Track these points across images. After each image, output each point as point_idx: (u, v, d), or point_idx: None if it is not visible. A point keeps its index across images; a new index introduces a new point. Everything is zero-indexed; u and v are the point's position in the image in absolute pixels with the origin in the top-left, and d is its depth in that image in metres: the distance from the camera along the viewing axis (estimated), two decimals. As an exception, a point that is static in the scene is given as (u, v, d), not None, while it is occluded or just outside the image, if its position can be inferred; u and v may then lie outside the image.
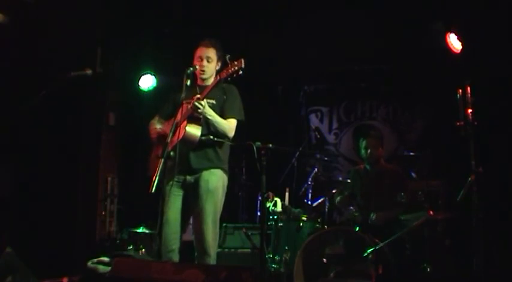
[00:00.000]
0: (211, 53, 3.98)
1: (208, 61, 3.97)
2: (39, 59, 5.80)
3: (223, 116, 3.93)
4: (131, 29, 6.29)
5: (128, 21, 6.20)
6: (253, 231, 5.49)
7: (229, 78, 3.78)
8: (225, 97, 3.97)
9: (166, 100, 4.14)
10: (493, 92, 5.45)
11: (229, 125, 3.91)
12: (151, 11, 6.15)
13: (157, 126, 4.01)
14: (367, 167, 5.27)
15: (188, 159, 3.84)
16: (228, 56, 3.97)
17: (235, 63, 3.69)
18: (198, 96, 3.71)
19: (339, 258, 4.47)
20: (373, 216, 4.91)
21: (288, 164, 5.82)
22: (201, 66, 3.95)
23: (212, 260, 3.82)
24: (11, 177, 6.05)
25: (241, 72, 3.66)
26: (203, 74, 3.97)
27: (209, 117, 3.78)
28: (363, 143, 5.22)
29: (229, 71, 3.72)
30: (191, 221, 4.02)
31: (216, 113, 3.89)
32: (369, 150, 5.16)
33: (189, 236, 4.06)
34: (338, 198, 5.26)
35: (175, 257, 3.83)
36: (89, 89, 6.45)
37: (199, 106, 3.68)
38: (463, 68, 5.48)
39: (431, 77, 6.26)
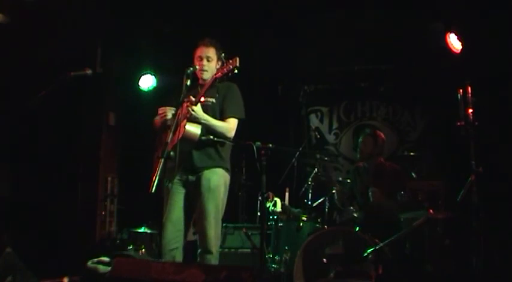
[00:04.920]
0: (211, 52, 3.96)
1: (208, 60, 3.95)
2: (39, 59, 5.80)
3: (224, 115, 3.92)
4: (131, 29, 6.29)
5: (128, 21, 6.20)
6: (253, 231, 5.48)
7: (225, 77, 3.77)
8: (220, 95, 3.94)
9: (167, 99, 4.12)
10: (493, 92, 5.45)
11: (226, 126, 3.89)
12: (151, 11, 6.15)
13: (168, 114, 3.93)
14: (365, 164, 5.31)
15: (191, 158, 3.83)
16: (223, 55, 3.96)
17: (230, 62, 3.66)
18: (193, 99, 3.69)
19: (339, 258, 4.47)
20: (372, 189, 4.94)
21: (288, 164, 5.81)
22: (202, 65, 3.94)
23: (214, 258, 3.81)
24: (11, 177, 6.05)
25: (236, 71, 3.61)
26: (204, 73, 3.96)
27: (203, 121, 3.76)
28: (358, 142, 5.41)
29: (224, 70, 3.69)
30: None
31: (216, 111, 3.89)
32: (359, 148, 5.34)
33: (189, 235, 4.05)
34: (337, 193, 5.27)
35: (179, 256, 3.81)
36: (89, 89, 6.45)
37: (192, 112, 3.68)
38: (463, 68, 5.48)
39: (432, 77, 6.26)
